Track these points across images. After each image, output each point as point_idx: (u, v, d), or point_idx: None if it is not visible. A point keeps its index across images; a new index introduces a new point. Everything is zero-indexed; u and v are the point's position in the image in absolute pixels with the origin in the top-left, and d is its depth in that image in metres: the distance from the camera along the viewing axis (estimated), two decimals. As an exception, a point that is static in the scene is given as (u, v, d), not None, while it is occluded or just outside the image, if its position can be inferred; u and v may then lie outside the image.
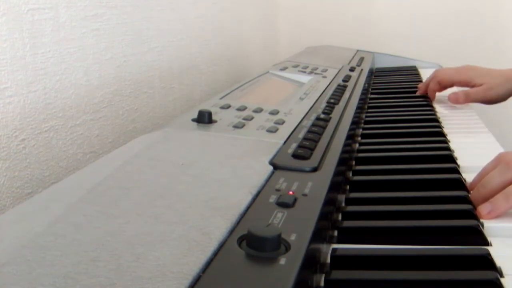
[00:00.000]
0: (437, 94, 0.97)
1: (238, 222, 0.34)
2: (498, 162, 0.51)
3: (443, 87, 0.97)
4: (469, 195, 0.50)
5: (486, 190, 0.49)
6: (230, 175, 0.42)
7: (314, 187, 0.41)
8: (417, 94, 0.99)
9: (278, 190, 0.40)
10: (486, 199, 0.48)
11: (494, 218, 0.47)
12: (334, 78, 0.92)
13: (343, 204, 0.50)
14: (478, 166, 0.54)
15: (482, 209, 0.47)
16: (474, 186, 0.52)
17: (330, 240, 0.43)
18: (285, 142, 0.52)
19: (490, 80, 0.91)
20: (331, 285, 0.37)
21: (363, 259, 0.40)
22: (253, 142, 0.52)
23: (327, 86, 0.83)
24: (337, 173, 0.48)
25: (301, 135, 0.55)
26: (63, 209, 0.34)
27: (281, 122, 0.59)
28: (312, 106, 0.69)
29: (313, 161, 0.47)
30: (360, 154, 0.64)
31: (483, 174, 0.52)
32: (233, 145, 0.50)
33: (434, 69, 0.99)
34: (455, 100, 0.93)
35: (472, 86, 0.93)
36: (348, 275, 0.38)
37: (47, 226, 0.32)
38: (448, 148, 0.65)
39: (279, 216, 0.36)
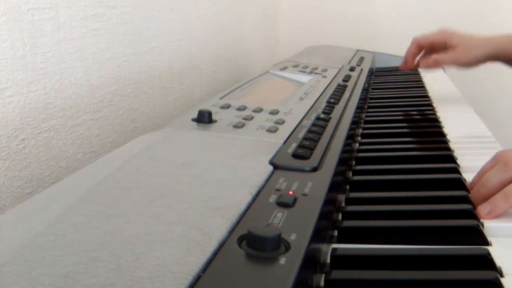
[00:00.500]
0: (436, 95, 0.96)
1: (238, 222, 0.34)
2: (496, 161, 0.51)
3: (422, 49, 0.96)
4: (469, 194, 0.50)
5: (485, 189, 0.49)
6: (230, 175, 0.42)
7: (314, 187, 0.41)
8: (400, 68, 1.00)
9: (278, 190, 0.40)
10: (486, 198, 0.48)
11: (494, 218, 0.47)
12: (334, 78, 0.92)
13: (343, 204, 0.50)
14: (478, 166, 0.54)
15: (482, 210, 0.47)
16: (473, 186, 0.52)
17: (330, 240, 0.43)
18: (285, 142, 0.52)
19: (467, 42, 0.88)
20: (331, 285, 0.37)
21: (363, 259, 0.40)
22: (253, 142, 0.52)
23: (327, 86, 0.83)
24: (337, 173, 0.48)
25: (301, 135, 0.55)
26: (63, 209, 0.34)
27: (281, 122, 0.59)
28: (312, 106, 0.69)
29: (313, 161, 0.47)
30: (360, 154, 0.64)
31: (482, 173, 0.52)
32: (233, 145, 0.50)
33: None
34: (425, 65, 0.92)
35: (449, 47, 0.90)
36: (348, 275, 0.38)
37: (47, 226, 0.32)
38: (448, 148, 0.65)
39: (279, 216, 0.36)
